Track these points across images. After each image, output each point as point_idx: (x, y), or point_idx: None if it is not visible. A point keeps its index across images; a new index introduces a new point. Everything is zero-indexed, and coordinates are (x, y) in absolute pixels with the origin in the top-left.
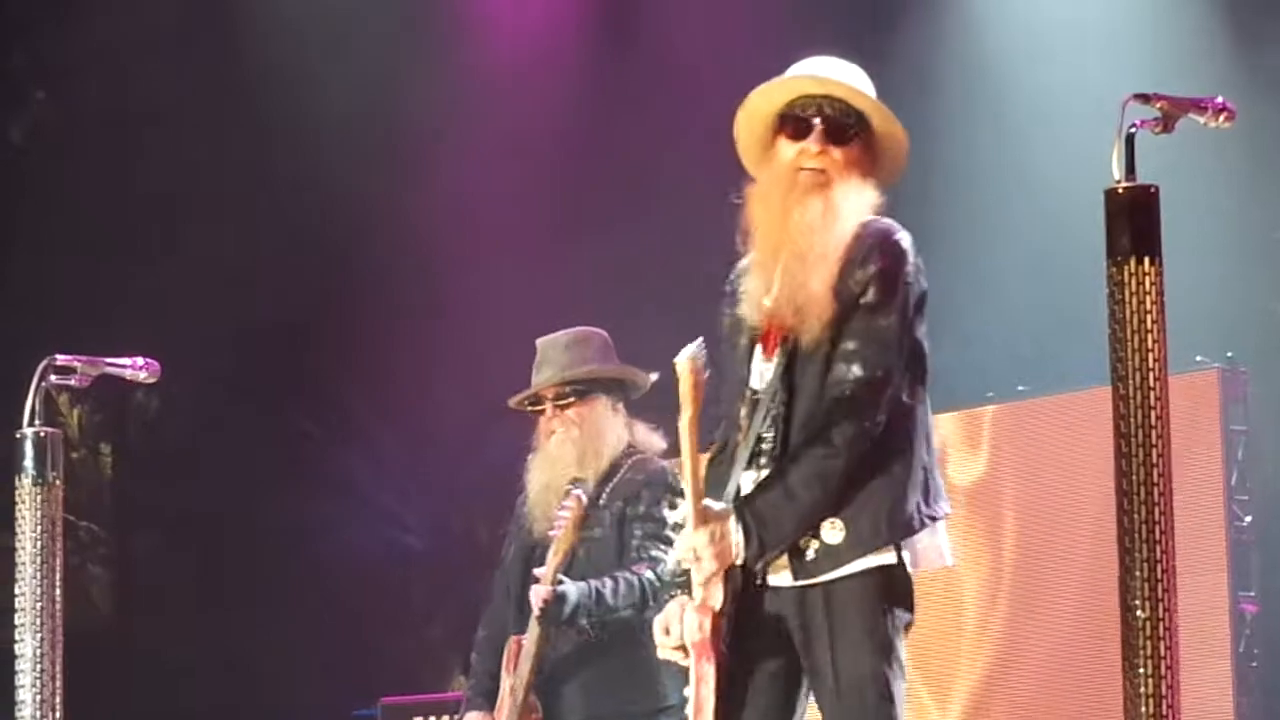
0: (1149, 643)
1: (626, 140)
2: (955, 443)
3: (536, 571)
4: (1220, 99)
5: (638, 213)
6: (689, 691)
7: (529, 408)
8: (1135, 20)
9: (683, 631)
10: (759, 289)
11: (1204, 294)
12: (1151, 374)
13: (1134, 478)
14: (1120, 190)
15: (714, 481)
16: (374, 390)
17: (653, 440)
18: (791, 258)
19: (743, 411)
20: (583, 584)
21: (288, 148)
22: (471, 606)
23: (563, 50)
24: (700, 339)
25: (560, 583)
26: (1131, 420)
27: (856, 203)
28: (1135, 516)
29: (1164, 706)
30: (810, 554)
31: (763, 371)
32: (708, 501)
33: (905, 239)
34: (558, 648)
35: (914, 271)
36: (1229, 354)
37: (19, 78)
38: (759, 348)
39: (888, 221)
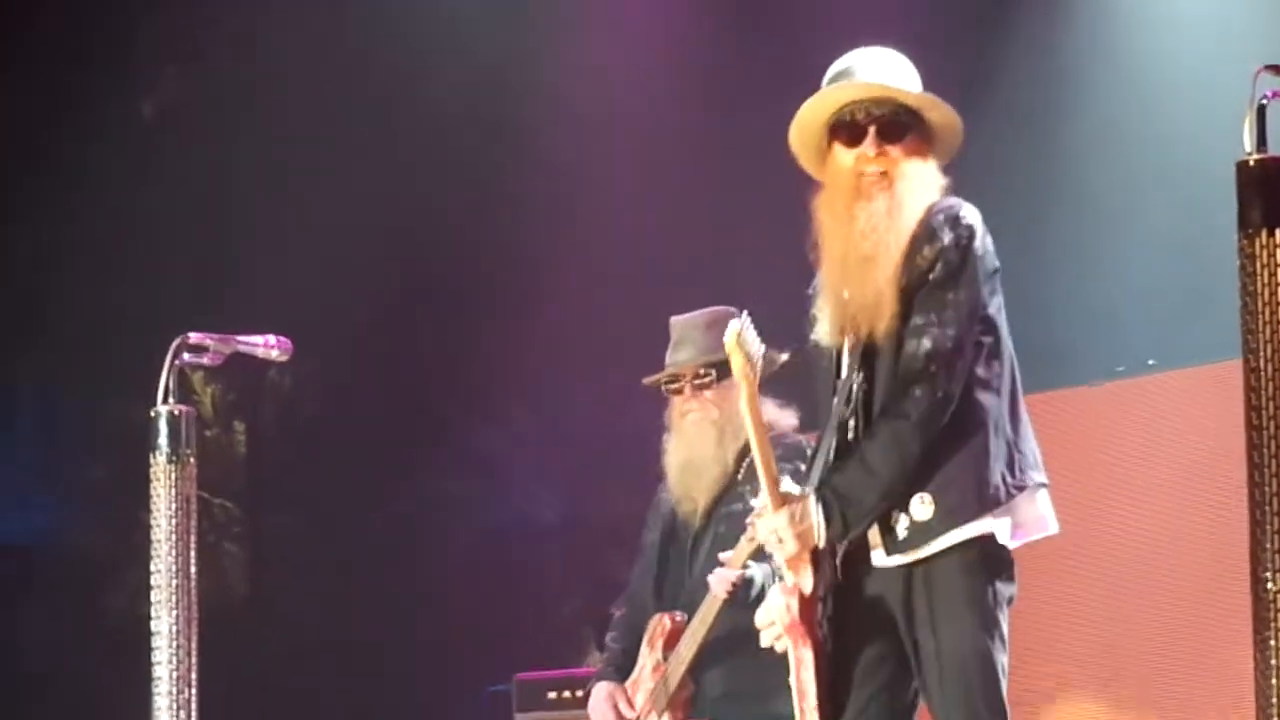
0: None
1: (749, 124)
2: (1078, 419)
3: (722, 556)
4: None
5: (760, 194)
6: (790, 678)
7: (665, 387)
8: None
9: (773, 609)
10: (834, 293)
11: None
12: None
13: (1265, 449)
14: (1251, 163)
15: (809, 457)
16: (505, 367)
17: (784, 417)
18: (860, 260)
19: (832, 399)
20: (764, 566)
21: (411, 125)
22: (606, 583)
23: (683, 34)
24: (745, 313)
25: (746, 567)
26: (1263, 392)
27: (922, 192)
28: (1266, 488)
29: None
30: (901, 531)
31: (846, 364)
32: (785, 485)
33: (972, 215)
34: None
35: (982, 246)
36: None
37: (150, 52)
38: (845, 344)
39: (953, 200)
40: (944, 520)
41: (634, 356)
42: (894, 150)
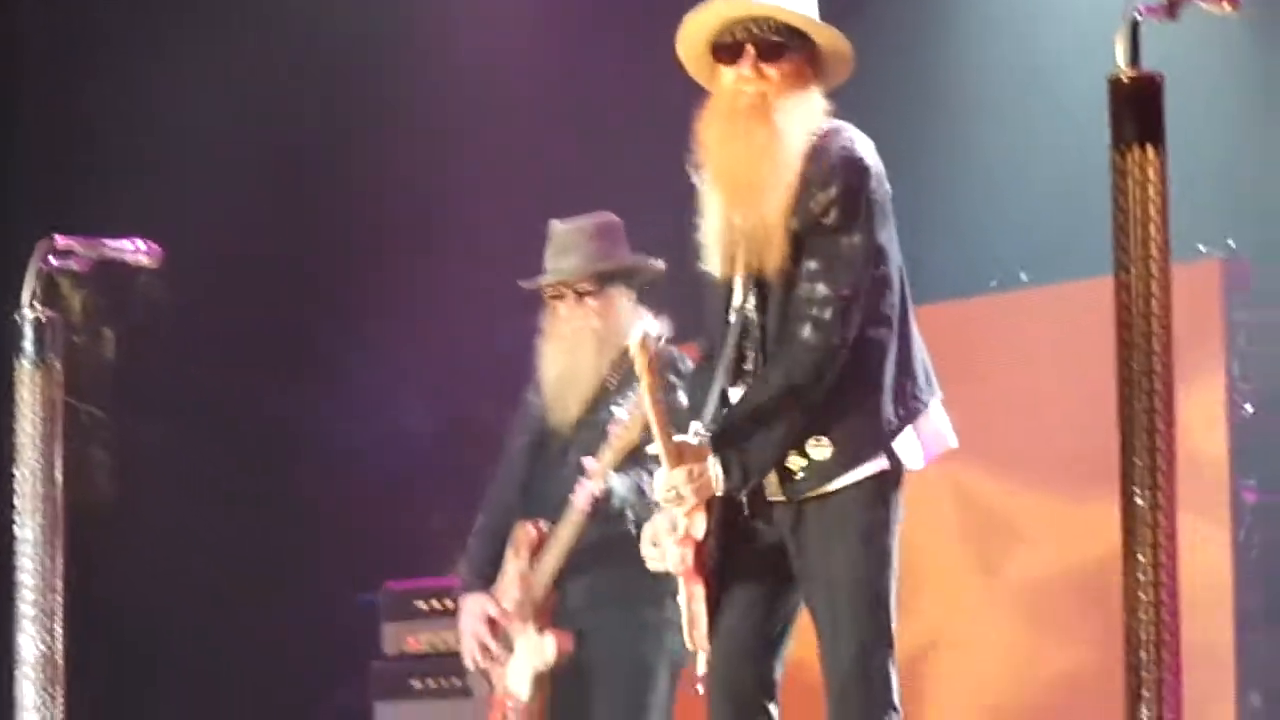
0: (1149, 530)
1: (628, 32)
2: (954, 332)
3: (586, 462)
4: None
5: (639, 103)
6: (682, 606)
7: (547, 293)
8: None
9: (666, 556)
10: (720, 216)
11: (1207, 184)
12: (1154, 263)
13: (1135, 366)
14: (1124, 79)
15: (700, 388)
16: (374, 278)
17: (660, 327)
18: (744, 185)
19: (725, 327)
20: (626, 477)
21: (291, 40)
22: (475, 492)
23: None
24: (653, 320)
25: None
26: (1134, 308)
27: (801, 118)
28: (1136, 404)
29: (1162, 593)
30: (800, 474)
31: (738, 289)
32: (682, 436)
33: (865, 153)
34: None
35: (876, 185)
36: (1231, 243)
37: None
38: (738, 273)
39: (847, 135)
40: (841, 461)
41: (503, 263)
42: (771, 71)
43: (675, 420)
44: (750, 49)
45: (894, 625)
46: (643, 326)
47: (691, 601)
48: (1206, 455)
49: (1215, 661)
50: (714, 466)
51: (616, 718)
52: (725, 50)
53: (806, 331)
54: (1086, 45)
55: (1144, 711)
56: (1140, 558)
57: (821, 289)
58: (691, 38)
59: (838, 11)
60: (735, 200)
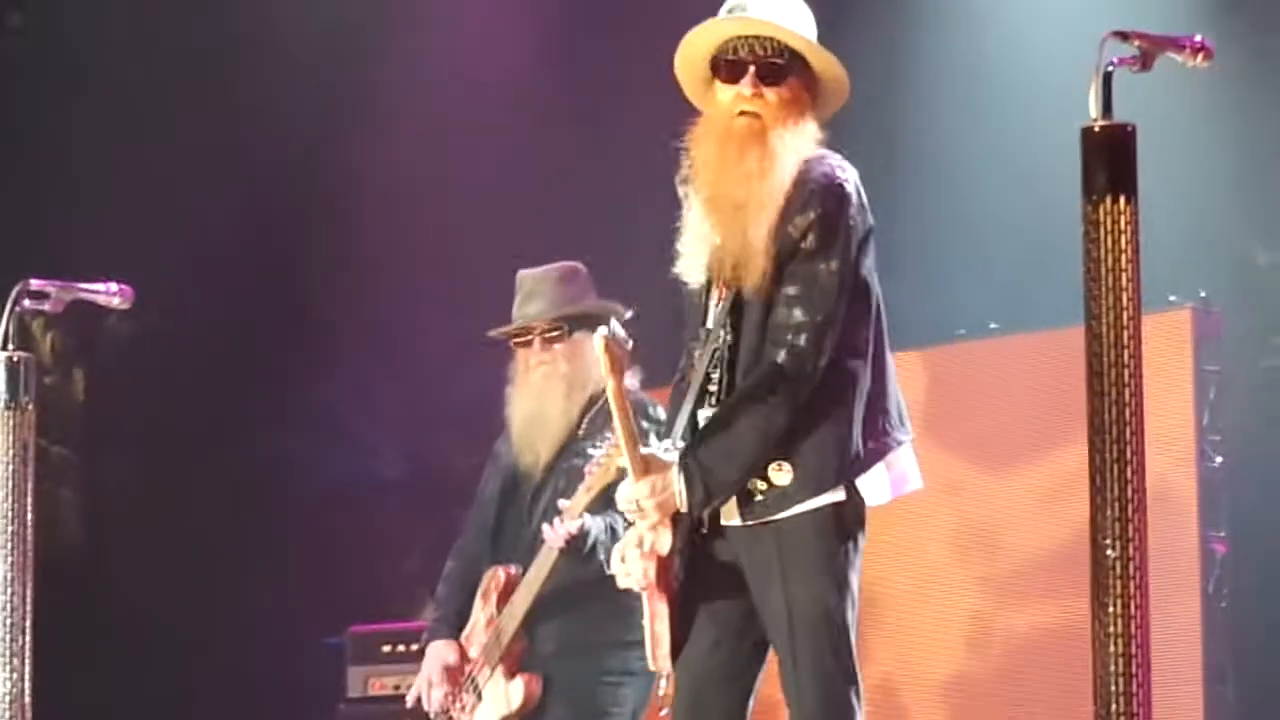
0: (1119, 581)
1: (589, 83)
2: (922, 380)
3: (561, 503)
4: (1199, 37)
5: (606, 154)
6: (646, 625)
7: (514, 340)
8: None
9: (631, 572)
10: (703, 233)
11: (1179, 234)
12: (1125, 312)
13: (1106, 416)
14: (1097, 129)
15: (672, 404)
16: (349, 320)
17: (628, 375)
18: (731, 206)
19: (697, 349)
20: (598, 519)
21: (258, 76)
22: (446, 537)
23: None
24: (615, 323)
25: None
26: (1104, 358)
27: (795, 145)
28: (1106, 455)
29: (1133, 645)
30: (759, 496)
31: (713, 310)
32: (651, 449)
33: (847, 181)
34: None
35: (856, 212)
36: (1202, 293)
37: None
38: (712, 286)
39: (831, 162)
40: (802, 488)
41: (477, 311)
42: (771, 94)
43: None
44: (752, 68)
45: (855, 658)
46: (607, 329)
47: (655, 620)
48: (1175, 506)
49: (1184, 715)
50: (678, 481)
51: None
52: (727, 67)
53: (781, 356)
54: (1060, 94)
55: None
56: (1110, 609)
57: (798, 314)
58: (693, 53)
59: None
60: (722, 220)
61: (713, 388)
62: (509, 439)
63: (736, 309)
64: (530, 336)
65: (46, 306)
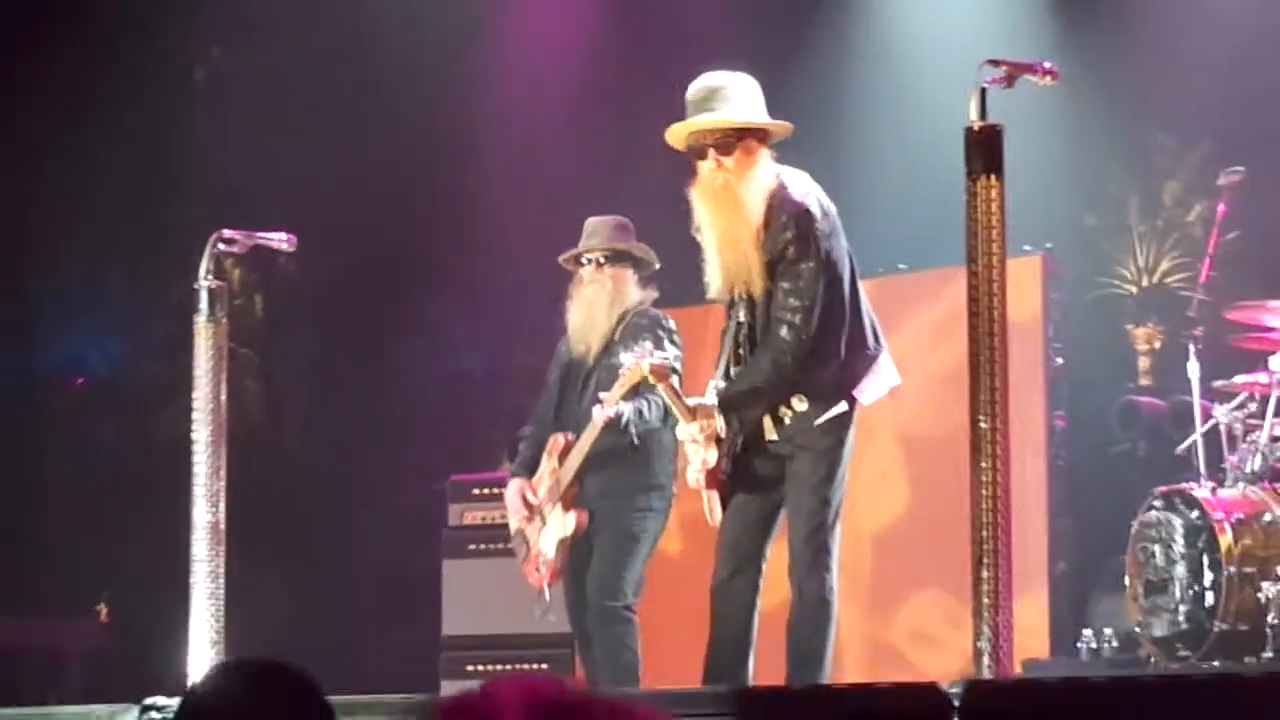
0: (989, 445)
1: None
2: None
3: (602, 395)
4: (1048, 64)
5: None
6: (706, 507)
7: (576, 262)
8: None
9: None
10: (717, 262)
11: (1033, 202)
12: (994, 258)
13: (981, 329)
14: (976, 128)
15: (717, 369)
16: (454, 257)
17: (647, 294)
18: (727, 244)
19: (730, 332)
20: (629, 404)
21: (390, 68)
22: (519, 413)
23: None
24: (654, 352)
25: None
26: (981, 289)
27: (759, 184)
28: (981, 356)
29: (999, 491)
30: (787, 420)
31: (739, 307)
32: (697, 399)
33: (812, 202)
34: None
35: (820, 220)
36: (1048, 245)
37: (201, 32)
38: (734, 297)
39: (794, 187)
40: (816, 409)
41: (549, 246)
42: (729, 160)
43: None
44: (712, 150)
45: (838, 508)
46: (650, 358)
47: (711, 503)
48: (1030, 393)
49: (1034, 541)
50: (719, 419)
51: (607, 565)
52: (693, 152)
53: (784, 331)
54: (951, 100)
55: (984, 573)
56: (983, 465)
57: (792, 301)
58: (674, 140)
59: (774, 62)
60: (725, 249)
61: (741, 352)
62: (567, 339)
63: (750, 303)
64: (590, 260)
65: (235, 249)
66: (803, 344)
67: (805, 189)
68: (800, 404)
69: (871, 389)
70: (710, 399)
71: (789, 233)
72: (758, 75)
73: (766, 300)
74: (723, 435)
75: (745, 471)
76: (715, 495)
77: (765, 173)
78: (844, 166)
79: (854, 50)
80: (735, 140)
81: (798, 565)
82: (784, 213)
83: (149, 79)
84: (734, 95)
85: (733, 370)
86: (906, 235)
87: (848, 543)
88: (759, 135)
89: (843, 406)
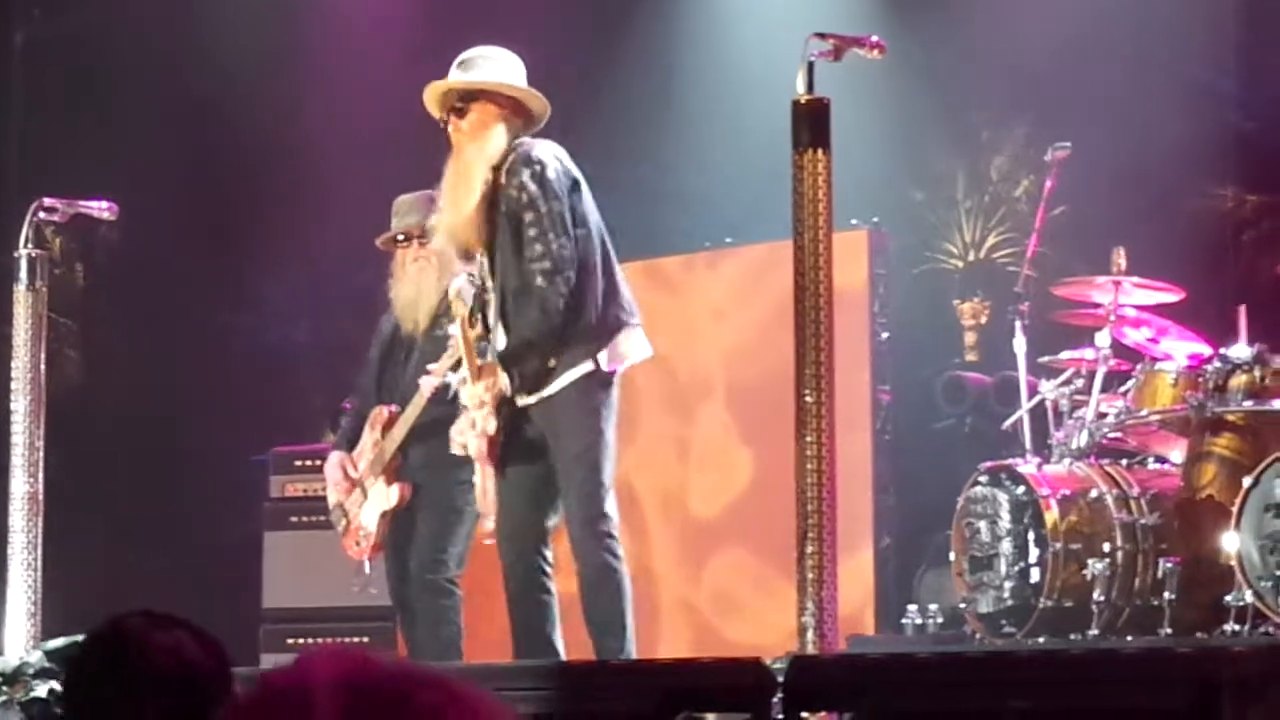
0: (814, 419)
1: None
2: (674, 279)
3: (430, 366)
4: (875, 37)
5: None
6: (477, 480)
7: (398, 241)
8: None
9: (469, 446)
10: (442, 221)
11: (860, 177)
12: (821, 231)
13: (807, 302)
14: (803, 101)
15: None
16: (279, 231)
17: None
18: (450, 204)
19: (472, 293)
20: (455, 375)
21: (219, 47)
22: (342, 384)
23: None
24: (466, 278)
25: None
26: (807, 263)
27: (486, 147)
28: (807, 329)
29: (823, 465)
30: (534, 378)
31: (482, 265)
32: (481, 360)
33: (542, 152)
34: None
35: (554, 170)
36: (875, 219)
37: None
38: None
39: (541, 150)
40: (564, 366)
41: (364, 226)
42: (462, 124)
43: (478, 349)
44: (451, 113)
45: (609, 473)
46: (459, 281)
47: (485, 479)
48: (855, 368)
49: (859, 516)
50: (503, 378)
51: (430, 538)
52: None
53: (539, 280)
54: (779, 73)
55: (809, 548)
56: (809, 439)
57: (537, 248)
58: (430, 106)
59: (604, 37)
60: (448, 209)
61: (491, 314)
62: (391, 315)
63: (493, 265)
64: (409, 240)
65: (56, 217)
66: (559, 299)
67: (546, 151)
68: (552, 363)
69: (622, 352)
70: (491, 359)
71: (520, 177)
72: (585, 51)
73: (512, 254)
74: (506, 396)
75: (512, 440)
76: (490, 472)
77: (495, 136)
78: (671, 142)
79: (683, 25)
80: (471, 105)
81: (576, 538)
82: (520, 169)
83: None
84: (483, 64)
85: (500, 329)
86: (734, 209)
87: (677, 515)
88: (497, 101)
89: (589, 365)
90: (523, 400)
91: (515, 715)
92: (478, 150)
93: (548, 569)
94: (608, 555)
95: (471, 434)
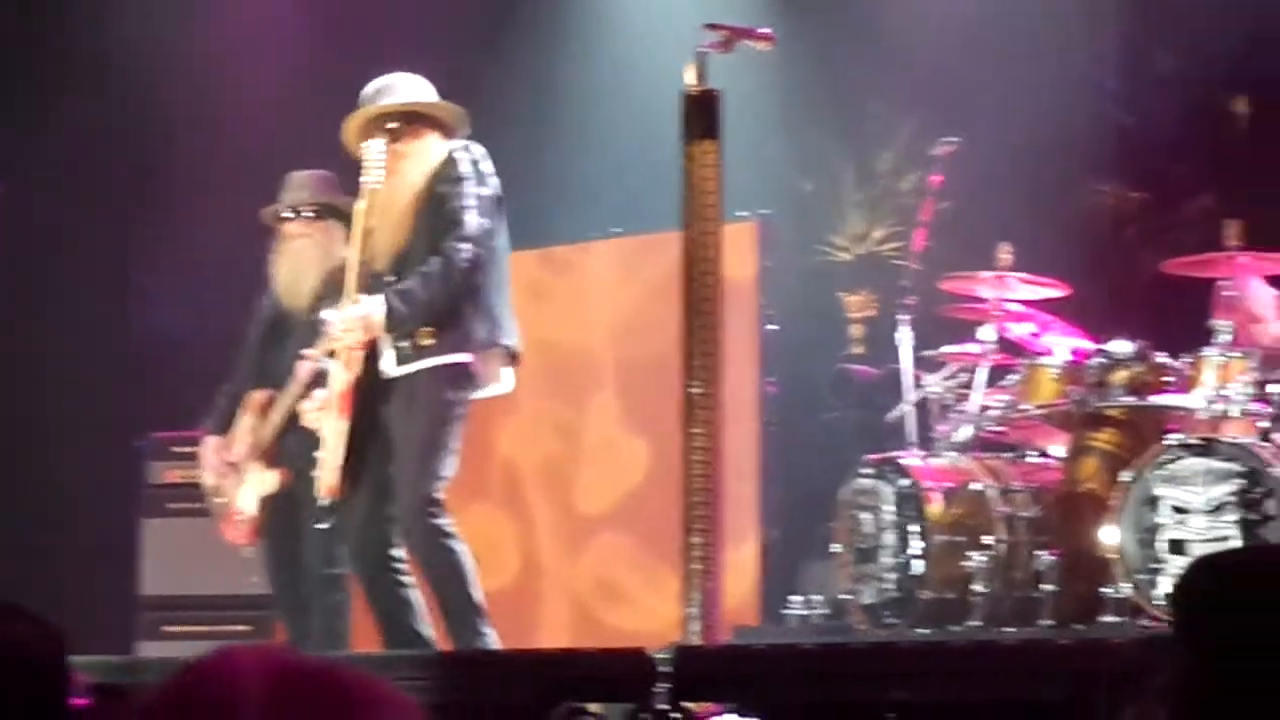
0: (701, 411)
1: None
2: (565, 267)
3: (305, 351)
4: (765, 29)
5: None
6: (328, 443)
7: (283, 215)
8: None
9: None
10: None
11: (750, 168)
12: (710, 223)
13: (696, 294)
14: (694, 92)
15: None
16: (159, 213)
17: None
18: (379, 211)
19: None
20: (333, 361)
21: (114, 37)
22: (221, 368)
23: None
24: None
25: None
26: (696, 255)
27: (419, 160)
28: (695, 320)
29: (710, 456)
30: (411, 352)
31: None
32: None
33: (463, 164)
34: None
35: (472, 174)
36: (764, 210)
37: None
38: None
39: (460, 153)
40: (438, 348)
41: (252, 204)
42: (399, 145)
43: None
44: (383, 136)
45: (447, 470)
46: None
47: (336, 437)
48: (742, 359)
49: (745, 507)
50: (379, 306)
51: (323, 531)
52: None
53: (450, 242)
54: (671, 64)
55: (695, 539)
56: (695, 431)
57: (457, 217)
58: (351, 134)
59: (490, 29)
60: (379, 214)
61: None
62: (271, 294)
63: (403, 247)
64: (296, 215)
65: None
66: (467, 257)
67: (462, 151)
68: (429, 339)
69: (492, 371)
70: (377, 305)
71: (463, 174)
72: (471, 46)
73: (426, 239)
74: (378, 335)
75: (366, 410)
76: (345, 427)
77: (427, 149)
78: (559, 133)
79: (571, 18)
80: (405, 124)
81: (406, 527)
82: (458, 161)
83: None
84: (403, 88)
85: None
86: (621, 199)
87: (560, 499)
88: (431, 119)
89: (465, 357)
90: (392, 370)
91: (420, 712)
92: (418, 167)
93: (400, 559)
94: (439, 535)
95: (329, 389)
